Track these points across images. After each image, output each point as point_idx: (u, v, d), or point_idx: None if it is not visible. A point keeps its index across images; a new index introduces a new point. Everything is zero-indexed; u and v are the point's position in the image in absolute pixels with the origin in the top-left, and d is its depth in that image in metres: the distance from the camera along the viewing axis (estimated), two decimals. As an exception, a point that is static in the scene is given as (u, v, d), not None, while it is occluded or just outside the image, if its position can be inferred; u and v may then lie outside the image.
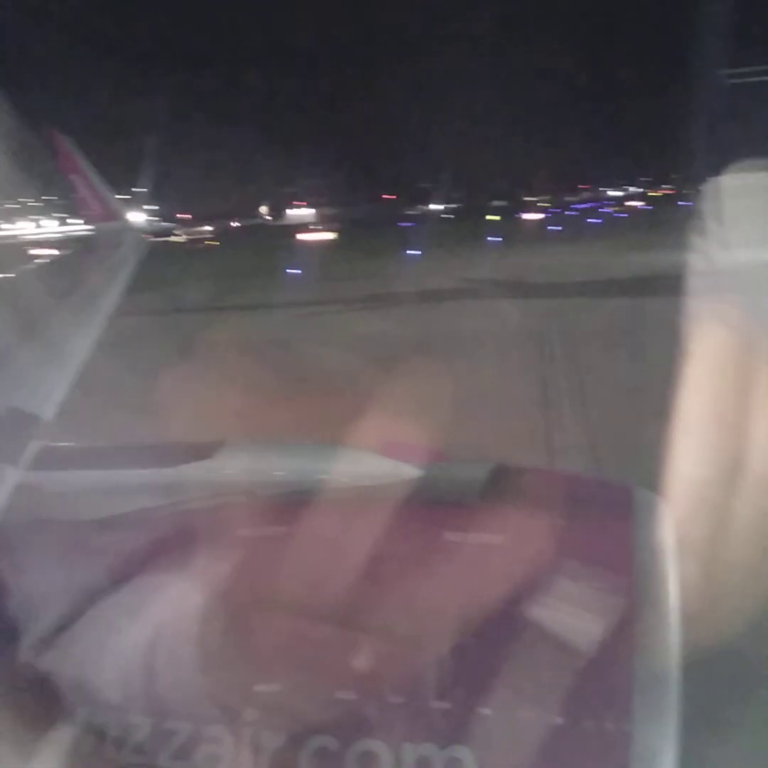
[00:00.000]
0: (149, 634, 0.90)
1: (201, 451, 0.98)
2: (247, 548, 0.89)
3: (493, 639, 0.89)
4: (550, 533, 0.90)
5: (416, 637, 0.91)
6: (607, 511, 1.00)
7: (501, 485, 0.99)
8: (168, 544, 0.95)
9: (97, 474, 0.99)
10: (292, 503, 0.89)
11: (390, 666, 0.91)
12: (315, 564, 0.87)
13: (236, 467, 0.97)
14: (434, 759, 0.87)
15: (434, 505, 0.96)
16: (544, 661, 0.88)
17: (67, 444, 1.05)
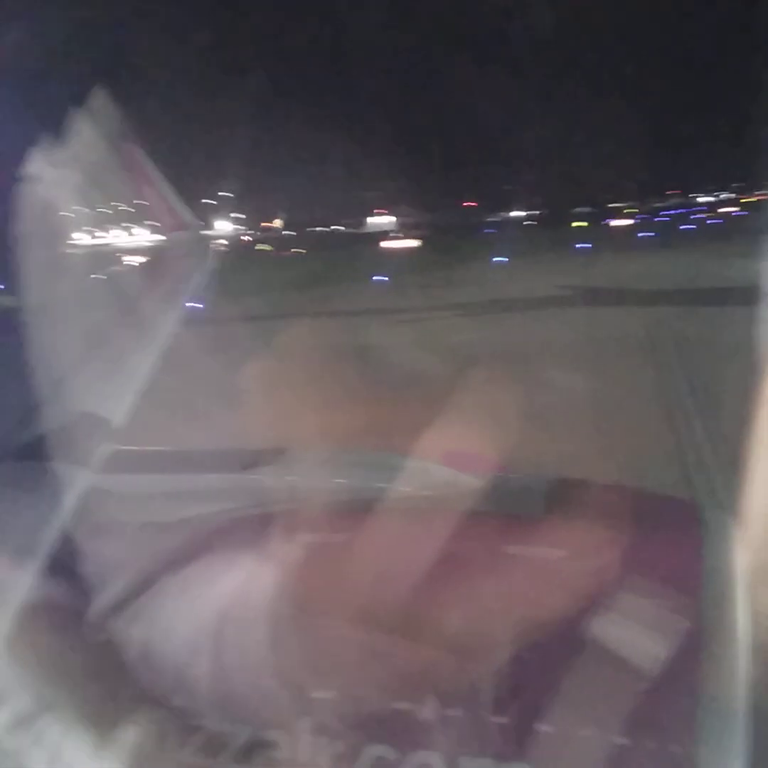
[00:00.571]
0: (210, 638, 0.93)
1: (265, 457, 1.01)
2: (307, 555, 0.91)
3: (554, 655, 0.89)
4: (614, 549, 0.89)
5: (476, 650, 0.91)
6: (676, 528, 0.99)
7: (565, 498, 0.99)
8: (229, 549, 0.97)
9: (165, 478, 1.02)
10: (353, 511, 0.91)
11: (449, 678, 0.92)
12: (374, 573, 0.88)
13: (298, 474, 0.99)
14: None
15: (496, 517, 0.96)
16: (607, 680, 0.88)
17: (136, 448, 1.09)
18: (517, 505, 0.99)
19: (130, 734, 0.98)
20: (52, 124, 1.24)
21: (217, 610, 0.94)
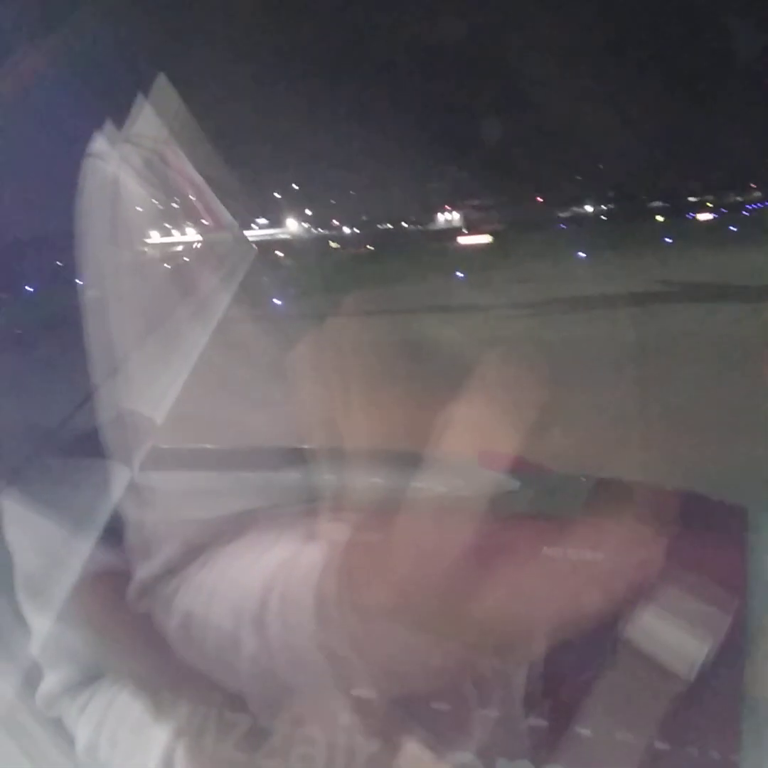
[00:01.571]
0: (255, 612, 0.95)
1: (303, 456, 1.04)
2: (342, 554, 0.93)
3: (592, 657, 0.90)
4: (655, 551, 0.89)
5: (512, 652, 0.92)
6: (719, 531, 0.98)
7: (604, 500, 0.99)
8: (265, 546, 1.00)
9: (204, 475, 1.06)
10: (389, 510, 0.93)
11: (486, 679, 0.93)
12: (410, 572, 0.89)
13: (335, 472, 1.02)
14: None
15: (534, 519, 0.97)
16: (646, 683, 0.88)
17: (178, 445, 1.13)
18: (555, 506, 1.00)
19: (172, 716, 1.02)
20: (114, 117, 1.27)
21: (262, 585, 0.96)
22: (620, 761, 0.88)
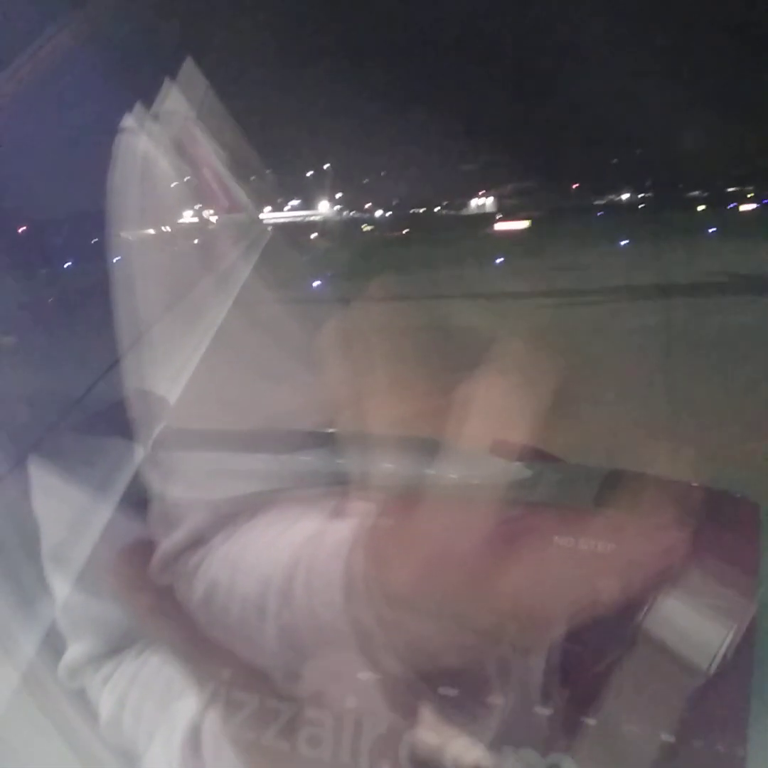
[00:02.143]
0: (279, 586, 0.96)
1: (318, 440, 1.05)
2: (370, 531, 0.93)
3: (601, 648, 0.91)
4: (666, 544, 0.90)
5: (521, 640, 0.93)
6: (732, 526, 0.98)
7: (617, 491, 0.99)
8: (290, 521, 1.01)
9: (218, 457, 1.07)
10: (400, 497, 0.94)
11: (493, 666, 0.94)
12: (421, 559, 0.90)
13: (347, 457, 1.03)
14: (534, 765, 0.90)
15: (545, 508, 0.98)
16: (655, 676, 0.89)
17: (191, 427, 1.14)
18: (568, 496, 1.00)
19: (198, 690, 1.04)
20: (143, 97, 1.29)
21: (289, 557, 0.97)
22: (627, 753, 0.89)
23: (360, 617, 0.90)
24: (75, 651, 1.19)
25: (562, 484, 1.04)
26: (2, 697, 1.08)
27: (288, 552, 0.98)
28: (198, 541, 1.05)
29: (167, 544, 1.06)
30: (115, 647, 1.18)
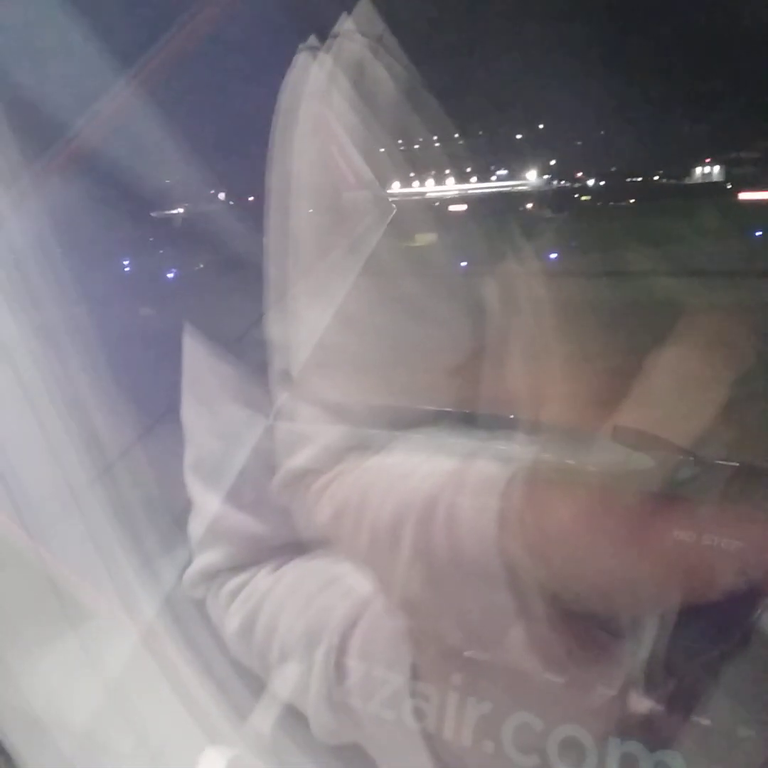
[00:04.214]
0: (412, 532, 0.97)
1: (425, 418, 1.06)
2: (511, 474, 0.95)
3: (720, 648, 0.90)
4: None
5: (636, 633, 0.93)
6: None
7: (745, 487, 0.97)
8: (415, 463, 1.03)
9: (337, 429, 1.11)
10: (513, 479, 0.94)
11: (606, 656, 0.95)
12: (536, 544, 0.92)
13: (456, 437, 1.03)
14: (641, 759, 0.91)
15: (667, 501, 0.96)
16: None
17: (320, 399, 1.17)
18: (690, 490, 0.99)
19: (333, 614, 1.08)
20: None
21: (428, 489, 0.98)
22: (738, 756, 0.88)
23: (512, 551, 0.91)
24: (206, 559, 1.23)
25: (686, 477, 1.02)
26: (123, 655, 1.15)
27: (429, 482, 0.99)
28: (325, 465, 1.07)
29: (292, 462, 1.10)
30: (250, 560, 1.22)
